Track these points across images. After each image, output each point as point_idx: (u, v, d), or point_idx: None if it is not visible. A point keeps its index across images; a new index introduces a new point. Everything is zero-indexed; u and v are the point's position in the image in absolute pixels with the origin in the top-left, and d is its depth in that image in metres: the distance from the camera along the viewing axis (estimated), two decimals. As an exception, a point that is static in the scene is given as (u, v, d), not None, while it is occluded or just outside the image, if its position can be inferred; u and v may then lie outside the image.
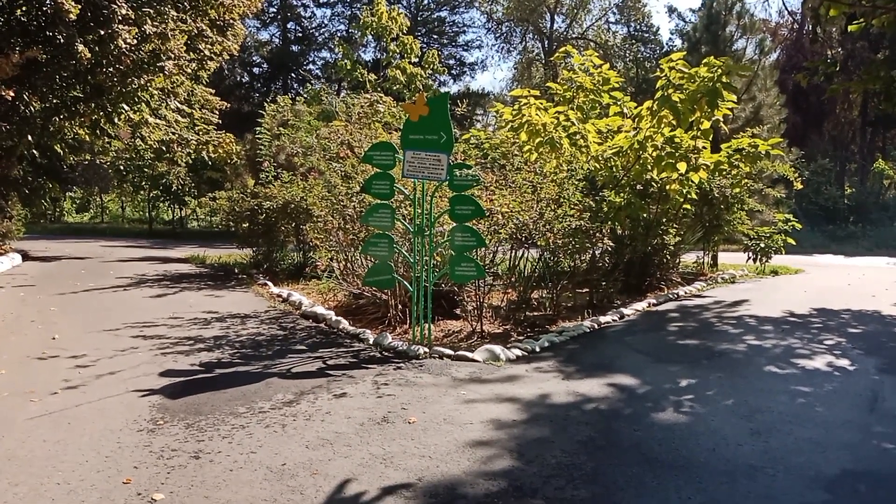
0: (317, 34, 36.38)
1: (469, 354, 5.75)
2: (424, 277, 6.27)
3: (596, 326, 7.43)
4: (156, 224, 31.05)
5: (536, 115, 9.22)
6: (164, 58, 9.79)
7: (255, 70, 36.61)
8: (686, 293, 9.97)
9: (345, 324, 6.98)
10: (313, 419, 4.04)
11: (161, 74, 9.93)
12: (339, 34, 34.74)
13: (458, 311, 7.76)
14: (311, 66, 36.10)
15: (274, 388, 4.67)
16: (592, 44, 33.78)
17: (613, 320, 7.82)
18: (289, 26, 36.25)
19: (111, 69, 9.34)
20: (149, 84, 10.03)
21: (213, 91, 16.20)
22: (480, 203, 6.33)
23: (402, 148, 6.17)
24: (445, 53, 36.19)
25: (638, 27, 35.43)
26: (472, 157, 8.72)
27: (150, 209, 28.04)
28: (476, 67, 46.58)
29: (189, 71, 11.14)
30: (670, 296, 9.52)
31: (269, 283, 9.88)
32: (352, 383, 4.82)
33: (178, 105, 12.33)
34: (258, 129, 12.83)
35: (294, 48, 36.11)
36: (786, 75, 25.77)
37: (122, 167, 22.95)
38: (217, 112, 15.26)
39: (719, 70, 8.62)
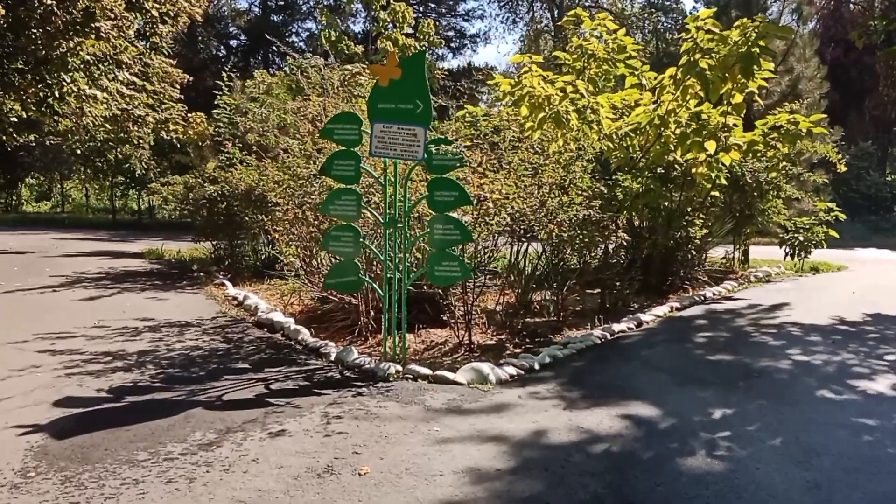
0: (300, 3, 35.58)
1: (449, 375, 5.04)
2: (399, 279, 5.57)
3: (608, 336, 6.72)
4: (124, 214, 30.39)
5: (539, 85, 8.46)
6: (99, 17, 9.02)
7: (233, 43, 35.86)
8: (714, 295, 9.25)
9: (305, 334, 6.28)
10: (233, 470, 3.33)
11: (92, 37, 9.14)
12: (324, 2, 33.90)
13: (446, 317, 7.08)
14: (294, 39, 35.29)
15: (194, 423, 3.97)
16: (608, 13, 32.86)
17: (629, 328, 7.12)
18: (269, -7, 35.44)
19: (38, 31, 8.58)
20: (78, 48, 9.26)
21: (186, 66, 15.32)
22: (466, 188, 5.61)
23: (370, 120, 5.45)
24: (444, 24, 35.36)
25: (658, -6, 34.53)
26: (465, 138, 8.00)
27: (113, 197, 27.33)
28: (478, 40, 45.52)
29: (131, 34, 10.36)
30: (696, 298, 8.80)
31: (227, 284, 9.19)
32: (295, 416, 4.12)
33: (129, 76, 11.58)
34: (218, 101, 12.13)
35: (275, 18, 35.30)
36: (823, 47, 24.95)
37: (79, 150, 22.22)
38: (178, 86, 14.52)
39: (753, 33, 7.83)
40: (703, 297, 8.93)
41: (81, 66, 9.64)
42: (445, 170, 5.44)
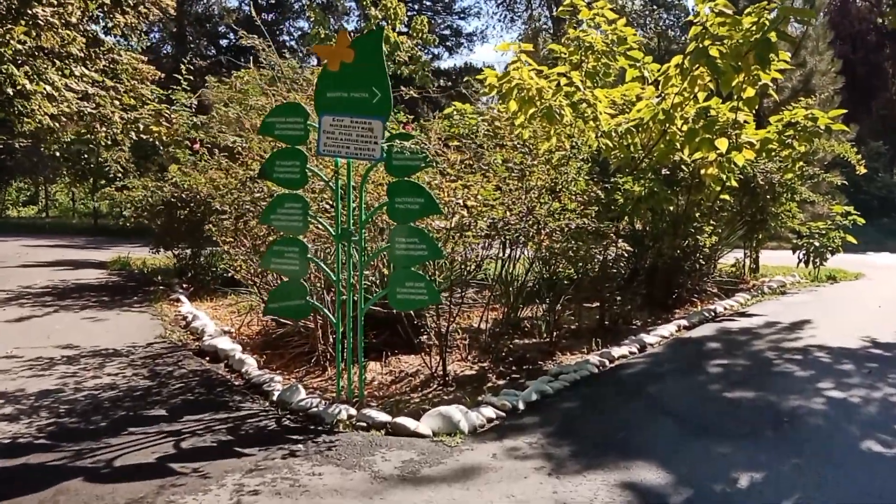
0: (292, 1, 34.71)
1: (410, 425, 4.10)
2: (356, 301, 4.65)
3: (607, 363, 5.79)
4: (110, 218, 29.39)
5: (530, 77, 7.54)
6: (35, 2, 8.07)
7: (223, 42, 34.95)
8: (726, 309, 8.30)
9: (251, 365, 5.35)
10: (80, 591, 2.41)
11: (22, 23, 8.16)
12: (316, 1, 33.01)
13: (424, 339, 6.17)
14: (285, 38, 34.43)
15: (64, 502, 3.04)
16: (611, 13, 31.90)
17: (631, 353, 6.19)
18: (260, -9, 34.56)
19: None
20: (8, 36, 8.27)
21: (175, 65, 14.30)
22: (436, 194, 4.70)
23: (318, 112, 4.53)
24: (439, 22, 34.50)
25: (660, -9, 33.59)
26: (444, 135, 7.09)
27: (95, 201, 26.41)
28: (475, 38, 44.77)
29: (74, 22, 9.38)
30: (706, 314, 7.86)
31: (184, 300, 8.25)
32: (198, 492, 3.18)
33: (86, 71, 10.63)
34: (175, 97, 11.25)
35: (266, 17, 34.41)
36: (830, 45, 24.09)
37: (57, 152, 21.31)
38: (149, 83, 13.60)
39: (767, 20, 6.87)
40: (713, 313, 7.99)
41: (13, 57, 8.66)
42: (408, 171, 4.52)
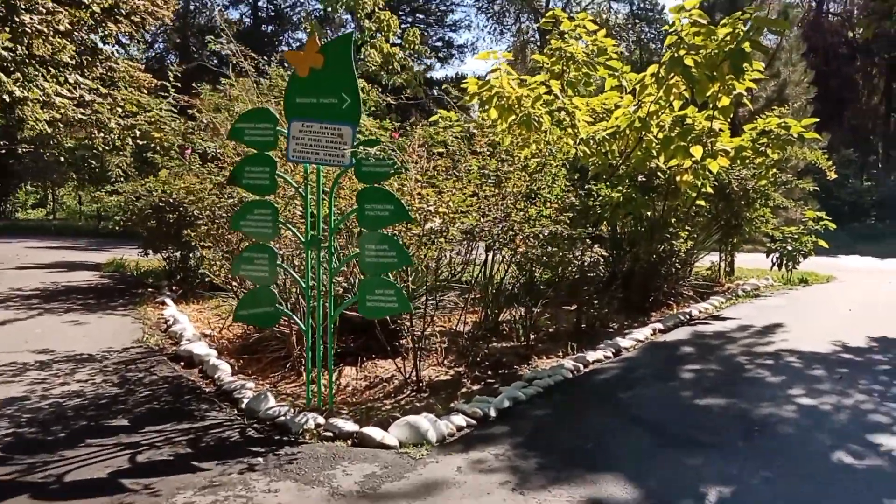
0: (291, 13, 34.41)
1: (376, 435, 3.82)
2: (324, 308, 4.37)
3: (581, 368, 5.54)
4: (112, 221, 29.02)
5: (509, 85, 7.30)
6: (21, 9, 7.75)
7: (225, 52, 34.62)
8: (701, 313, 8.06)
9: (224, 371, 5.06)
10: None
11: (6, 30, 7.85)
12: (314, 13, 32.72)
13: (403, 342, 5.89)
14: (284, 48, 34.08)
15: (-1, 526, 2.77)
16: (592, 24, 31.69)
17: (605, 357, 5.93)
18: (260, 4, 34.26)
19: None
20: (-2, 43, 7.97)
21: (179, 74, 14.07)
22: (407, 201, 4.44)
23: (287, 117, 4.26)
24: (431, 34, 34.19)
25: (641, 5, 33.39)
26: (421, 145, 6.84)
27: (99, 204, 26.01)
28: (466, 50, 44.20)
29: (63, 30, 9.03)
30: (681, 317, 7.61)
31: (169, 303, 7.94)
32: (145, 511, 2.91)
33: (79, 78, 10.30)
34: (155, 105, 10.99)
35: (266, 28, 34.10)
36: (803, 57, 23.94)
37: (62, 157, 20.95)
38: (145, 90, 13.30)
39: (741, 29, 6.63)
40: (688, 316, 7.75)
41: (0, 64, 8.31)
42: (377, 177, 4.24)
